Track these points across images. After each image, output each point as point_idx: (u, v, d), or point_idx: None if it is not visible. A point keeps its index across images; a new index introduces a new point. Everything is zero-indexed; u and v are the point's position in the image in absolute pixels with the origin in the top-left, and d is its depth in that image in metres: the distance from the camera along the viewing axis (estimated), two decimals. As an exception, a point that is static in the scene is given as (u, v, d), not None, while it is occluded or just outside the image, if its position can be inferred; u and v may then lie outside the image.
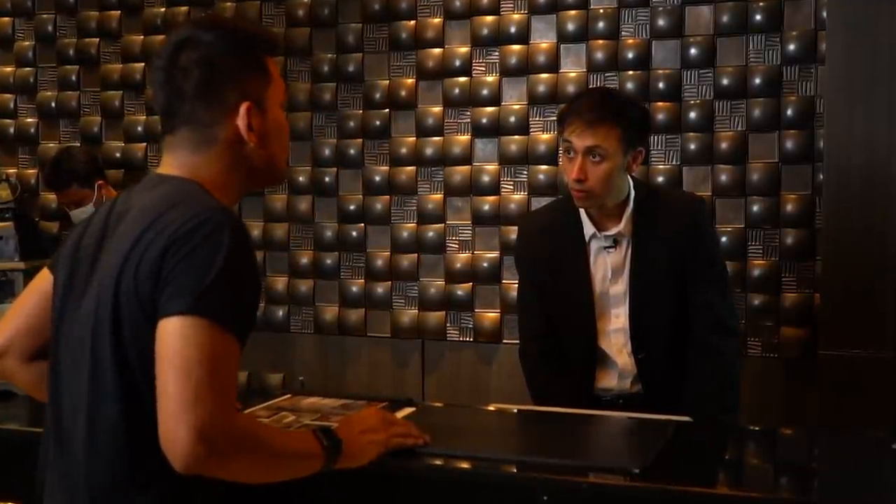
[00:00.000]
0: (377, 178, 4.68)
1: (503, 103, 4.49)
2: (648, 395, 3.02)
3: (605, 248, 3.02)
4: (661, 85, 4.24)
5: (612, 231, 3.01)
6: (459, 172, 4.55)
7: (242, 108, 1.91)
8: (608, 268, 3.03)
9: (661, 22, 4.24)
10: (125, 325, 1.77)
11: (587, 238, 3.03)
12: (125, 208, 1.91)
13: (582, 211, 3.03)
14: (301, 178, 4.81)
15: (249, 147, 1.94)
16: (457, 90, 4.55)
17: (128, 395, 1.77)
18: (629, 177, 3.01)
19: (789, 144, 4.08)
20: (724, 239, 4.10)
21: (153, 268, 1.74)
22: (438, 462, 2.24)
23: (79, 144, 5.07)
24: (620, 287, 3.02)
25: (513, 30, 4.46)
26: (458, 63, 4.54)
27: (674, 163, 4.22)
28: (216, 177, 1.93)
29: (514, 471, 2.22)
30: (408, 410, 2.62)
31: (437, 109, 4.59)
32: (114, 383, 1.77)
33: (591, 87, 4.27)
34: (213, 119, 1.91)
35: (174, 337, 1.68)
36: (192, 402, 1.64)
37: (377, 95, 4.68)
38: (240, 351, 1.74)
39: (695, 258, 2.98)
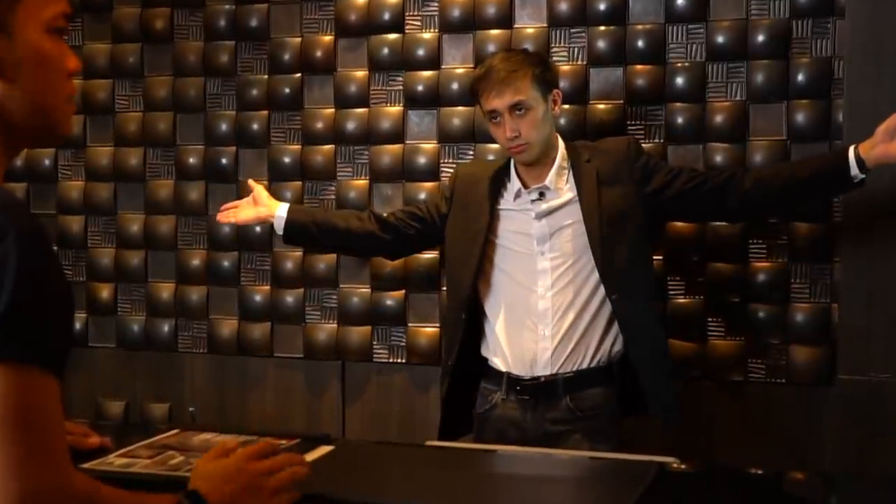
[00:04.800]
0: (286, 160, 4.66)
1: (443, 66, 4.47)
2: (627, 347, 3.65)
3: (532, 201, 3.67)
4: (640, 44, 4.21)
5: (538, 185, 3.68)
6: (389, 152, 4.52)
7: None
8: (533, 235, 3.67)
9: (640, -35, 4.22)
10: None
11: (513, 195, 3.71)
12: None
13: (512, 170, 3.75)
14: (191, 160, 4.78)
15: None
16: (385, 50, 4.52)
17: None
18: (559, 138, 3.74)
19: (800, 117, 4.04)
20: (719, 235, 4.09)
21: None
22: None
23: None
24: (546, 261, 3.66)
25: (456, -25, 4.42)
26: (386, 16, 4.50)
27: (656, 140, 4.18)
28: None
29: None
30: (324, 449, 2.65)
31: (361, 74, 4.56)
32: None
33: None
34: None
35: None
36: (9, 471, 1.57)
37: (286, 56, 4.65)
38: (59, 387, 1.64)
39: (654, 175, 3.68)
